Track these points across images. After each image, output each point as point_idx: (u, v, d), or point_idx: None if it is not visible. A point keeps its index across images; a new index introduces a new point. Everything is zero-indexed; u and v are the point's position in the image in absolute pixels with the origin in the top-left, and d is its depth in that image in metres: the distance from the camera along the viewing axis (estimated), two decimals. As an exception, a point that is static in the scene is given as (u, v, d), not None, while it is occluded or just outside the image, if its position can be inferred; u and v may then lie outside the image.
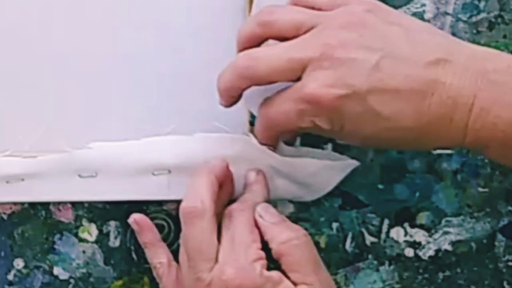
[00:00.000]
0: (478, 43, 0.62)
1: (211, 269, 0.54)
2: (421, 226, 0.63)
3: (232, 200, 0.59)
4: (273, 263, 0.55)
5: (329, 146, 0.62)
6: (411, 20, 0.55)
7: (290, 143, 0.60)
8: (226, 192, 0.59)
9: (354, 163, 0.60)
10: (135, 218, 0.61)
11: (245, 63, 0.54)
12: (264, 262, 0.55)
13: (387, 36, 0.53)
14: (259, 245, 0.55)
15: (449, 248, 0.63)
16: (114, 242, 0.62)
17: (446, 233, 0.63)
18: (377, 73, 0.52)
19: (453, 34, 0.62)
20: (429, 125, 0.52)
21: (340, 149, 0.62)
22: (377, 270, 0.63)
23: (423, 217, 0.63)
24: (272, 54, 0.54)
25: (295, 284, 0.54)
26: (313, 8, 0.55)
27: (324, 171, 0.59)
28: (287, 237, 0.55)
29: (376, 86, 0.52)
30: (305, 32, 0.53)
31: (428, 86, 0.51)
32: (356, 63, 0.52)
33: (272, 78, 0.54)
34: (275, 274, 0.54)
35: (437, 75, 0.52)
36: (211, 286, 0.54)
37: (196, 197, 0.55)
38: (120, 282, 0.63)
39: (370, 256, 0.63)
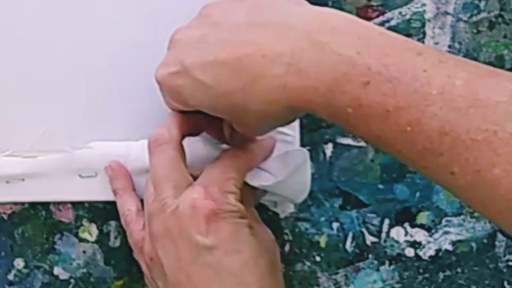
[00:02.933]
0: (479, 43, 0.62)
1: (179, 195, 0.53)
2: (422, 226, 0.63)
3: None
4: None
5: (330, 145, 0.62)
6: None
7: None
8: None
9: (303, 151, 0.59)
10: (111, 164, 0.60)
11: None
12: (238, 197, 0.54)
13: (228, 11, 0.52)
14: (236, 182, 0.55)
15: (449, 248, 0.63)
16: (115, 242, 0.62)
17: (446, 233, 0.63)
18: (203, 44, 0.51)
19: (454, 33, 0.62)
20: (249, 86, 0.49)
21: (340, 149, 0.62)
22: (378, 270, 0.63)
23: (423, 217, 0.63)
24: None
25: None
26: None
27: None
28: None
29: (199, 56, 0.51)
30: None
31: (243, 48, 0.49)
32: (188, 39, 0.53)
33: None
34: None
35: (254, 36, 0.49)
36: (176, 212, 0.53)
37: (163, 126, 0.55)
38: (120, 282, 0.63)
39: (370, 256, 0.63)
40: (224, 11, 0.52)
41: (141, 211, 0.58)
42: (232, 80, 0.50)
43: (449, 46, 0.62)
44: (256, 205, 0.60)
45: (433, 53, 0.46)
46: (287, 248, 0.63)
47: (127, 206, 0.59)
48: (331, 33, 0.47)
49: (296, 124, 0.61)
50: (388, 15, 0.62)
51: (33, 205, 0.62)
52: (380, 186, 0.63)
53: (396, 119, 0.45)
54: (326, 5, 0.61)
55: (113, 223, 0.62)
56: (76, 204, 0.62)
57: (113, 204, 0.61)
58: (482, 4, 0.62)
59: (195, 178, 0.55)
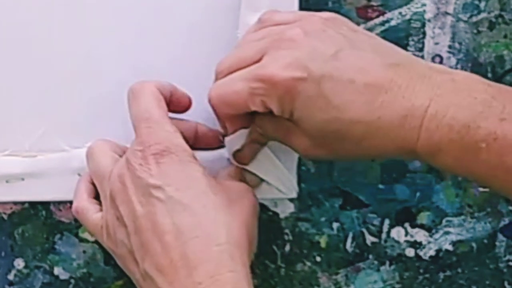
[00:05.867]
0: (479, 43, 0.62)
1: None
2: (422, 226, 0.63)
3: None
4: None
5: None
6: (372, 34, 0.57)
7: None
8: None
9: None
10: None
11: None
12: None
13: (350, 37, 0.53)
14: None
15: (449, 248, 0.63)
16: (115, 242, 0.62)
17: (446, 233, 0.63)
18: (335, 61, 0.52)
19: (454, 34, 0.62)
20: (380, 121, 0.51)
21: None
22: (378, 270, 0.63)
23: (423, 217, 0.63)
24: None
25: None
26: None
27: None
28: None
29: (331, 73, 0.51)
30: None
31: (383, 84, 0.51)
32: (315, 49, 0.52)
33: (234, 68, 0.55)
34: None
35: (394, 75, 0.51)
36: (128, 159, 0.54)
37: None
38: (120, 282, 0.63)
39: (370, 256, 0.63)
40: (344, 35, 0.53)
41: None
42: (365, 111, 0.51)
43: (449, 46, 0.62)
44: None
45: None
46: (287, 248, 0.63)
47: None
48: (464, 82, 0.52)
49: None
50: (388, 15, 0.62)
51: (33, 205, 0.62)
52: (381, 186, 0.63)
53: None
54: (326, 5, 0.61)
55: (113, 223, 0.62)
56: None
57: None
58: (482, 5, 0.62)
59: None
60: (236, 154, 0.58)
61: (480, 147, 0.50)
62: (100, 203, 0.57)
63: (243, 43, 0.56)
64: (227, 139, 0.58)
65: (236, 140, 0.58)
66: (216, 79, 0.56)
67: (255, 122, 0.57)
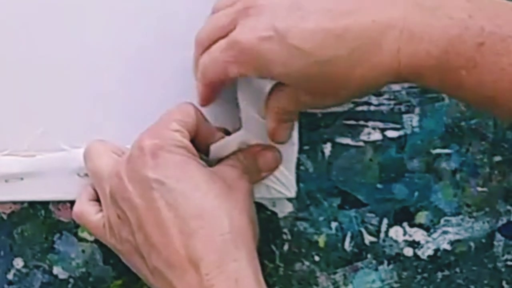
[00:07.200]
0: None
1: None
2: (420, 226, 0.63)
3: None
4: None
5: (328, 145, 0.62)
6: None
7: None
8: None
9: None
10: None
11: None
12: (186, 136, 0.55)
13: None
14: (180, 122, 0.56)
15: (448, 247, 0.63)
16: (114, 241, 0.62)
17: (445, 232, 0.63)
18: (298, 11, 0.51)
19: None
20: (357, 52, 0.49)
21: (339, 149, 0.62)
22: (376, 270, 0.63)
23: (422, 217, 0.63)
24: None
25: None
26: None
27: None
28: None
29: (297, 23, 0.51)
30: None
31: (350, 15, 0.50)
32: (278, 5, 0.52)
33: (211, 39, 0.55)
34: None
35: (361, 3, 0.50)
36: (129, 158, 0.55)
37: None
38: (119, 282, 0.63)
39: (369, 256, 0.63)
40: None
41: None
42: (338, 47, 0.50)
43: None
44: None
45: None
46: (286, 247, 0.63)
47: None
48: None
49: (295, 123, 0.61)
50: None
51: (32, 204, 0.62)
52: (379, 186, 0.63)
53: (511, 77, 0.47)
54: None
55: (112, 222, 0.62)
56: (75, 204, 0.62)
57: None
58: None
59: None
60: (274, 133, 0.57)
61: (461, 74, 0.48)
62: (100, 204, 0.58)
63: (217, 8, 0.56)
64: (212, 146, 0.58)
65: (221, 147, 0.58)
66: (196, 47, 0.56)
67: (268, 103, 0.56)
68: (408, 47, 0.49)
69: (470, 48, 0.47)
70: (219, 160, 0.58)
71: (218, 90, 0.56)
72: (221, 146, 0.58)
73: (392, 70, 0.50)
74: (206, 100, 0.57)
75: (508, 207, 0.63)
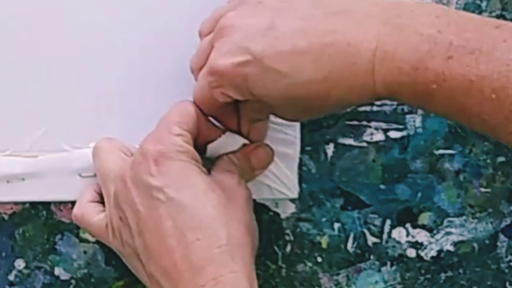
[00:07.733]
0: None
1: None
2: (423, 227, 0.63)
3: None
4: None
5: (331, 145, 0.62)
6: None
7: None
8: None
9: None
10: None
11: None
12: (188, 140, 0.55)
13: (285, 1, 0.53)
14: (182, 125, 0.55)
15: (451, 248, 0.63)
16: (115, 242, 0.62)
17: (448, 233, 0.63)
18: (272, 32, 0.51)
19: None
20: (334, 74, 0.50)
21: (341, 149, 0.62)
22: (379, 271, 0.63)
23: (425, 218, 0.63)
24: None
25: None
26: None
27: None
28: None
29: (272, 45, 0.51)
30: None
31: (325, 37, 0.50)
32: (250, 27, 0.52)
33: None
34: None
35: (336, 25, 0.50)
36: (132, 164, 0.55)
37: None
38: (121, 283, 0.63)
39: (372, 257, 0.63)
40: (279, 1, 0.53)
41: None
42: (314, 69, 0.50)
43: (451, 46, 0.62)
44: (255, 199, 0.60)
45: (510, 26, 0.49)
46: (288, 248, 0.63)
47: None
48: (410, 16, 0.50)
49: (297, 124, 0.61)
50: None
51: (34, 205, 0.62)
52: (382, 187, 0.63)
53: (481, 87, 0.47)
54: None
55: (114, 223, 0.62)
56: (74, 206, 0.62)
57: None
58: (483, 4, 0.62)
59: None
60: (248, 133, 0.58)
61: (432, 88, 0.49)
62: (102, 205, 0.58)
63: (200, 33, 0.57)
64: (209, 146, 0.58)
65: (218, 146, 0.58)
66: (193, 76, 0.57)
67: (242, 111, 0.57)
68: (382, 67, 0.50)
69: (439, 62, 0.48)
70: (216, 158, 0.58)
71: (222, 110, 0.57)
72: (218, 145, 0.58)
73: (368, 90, 0.50)
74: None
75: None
